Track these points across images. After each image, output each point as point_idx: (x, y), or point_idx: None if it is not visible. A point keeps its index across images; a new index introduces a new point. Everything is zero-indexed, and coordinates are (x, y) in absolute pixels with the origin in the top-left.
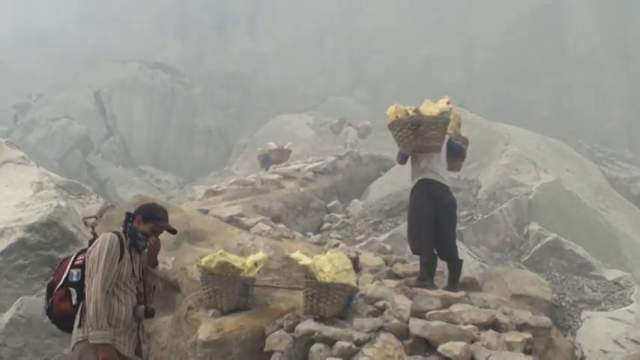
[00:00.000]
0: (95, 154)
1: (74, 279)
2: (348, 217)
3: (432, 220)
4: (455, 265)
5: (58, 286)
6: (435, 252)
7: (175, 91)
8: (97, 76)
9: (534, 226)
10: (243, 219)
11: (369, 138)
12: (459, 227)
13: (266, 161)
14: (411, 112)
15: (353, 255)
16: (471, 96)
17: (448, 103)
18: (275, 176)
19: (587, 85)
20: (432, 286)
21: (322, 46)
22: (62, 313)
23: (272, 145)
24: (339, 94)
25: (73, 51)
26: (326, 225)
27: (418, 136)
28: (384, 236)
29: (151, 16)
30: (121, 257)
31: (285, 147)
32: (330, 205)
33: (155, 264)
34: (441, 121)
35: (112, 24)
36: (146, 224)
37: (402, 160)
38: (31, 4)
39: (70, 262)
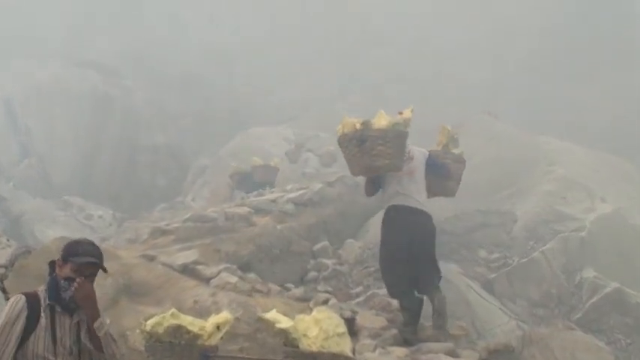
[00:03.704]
0: (6, 183)
1: None
2: (340, 264)
3: (406, 253)
4: (435, 300)
5: None
6: (416, 293)
7: (111, 96)
8: (7, 79)
9: (589, 273)
10: (200, 267)
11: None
12: (489, 275)
13: (244, 182)
14: (358, 126)
15: (348, 314)
16: (501, 100)
17: (400, 113)
18: (244, 209)
19: None
20: (414, 334)
21: (305, 40)
22: None
23: (257, 160)
24: (325, 100)
25: None
26: (312, 274)
27: (365, 153)
28: None
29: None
30: (34, 327)
31: (272, 164)
32: (316, 247)
33: (94, 316)
34: (392, 134)
35: (27, 10)
36: (66, 266)
37: (369, 189)
38: None
39: None
